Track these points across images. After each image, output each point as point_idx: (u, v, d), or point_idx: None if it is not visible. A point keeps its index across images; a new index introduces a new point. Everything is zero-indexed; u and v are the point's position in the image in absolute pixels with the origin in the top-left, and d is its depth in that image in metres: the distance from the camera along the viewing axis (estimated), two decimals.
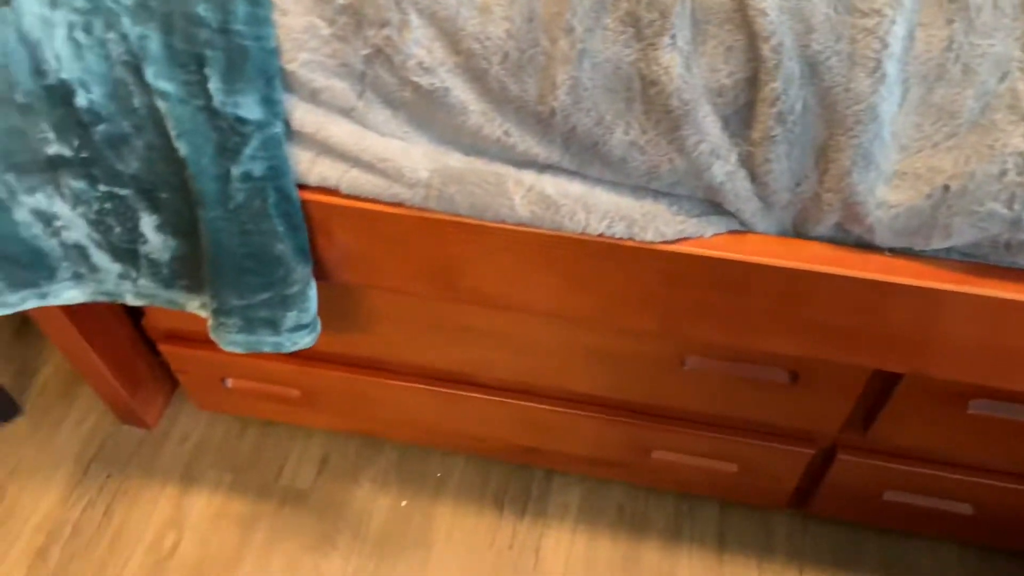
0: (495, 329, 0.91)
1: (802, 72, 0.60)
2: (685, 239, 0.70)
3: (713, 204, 0.69)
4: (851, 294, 0.69)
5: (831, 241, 0.70)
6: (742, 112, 0.63)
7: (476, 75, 0.65)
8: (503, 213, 0.71)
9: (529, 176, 0.70)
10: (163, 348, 1.11)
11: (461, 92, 0.66)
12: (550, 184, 0.69)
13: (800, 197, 0.67)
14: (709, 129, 0.64)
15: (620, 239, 0.69)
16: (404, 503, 1.17)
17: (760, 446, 0.98)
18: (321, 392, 1.10)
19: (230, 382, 1.13)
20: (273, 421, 1.25)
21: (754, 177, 0.66)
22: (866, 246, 0.69)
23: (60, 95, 0.70)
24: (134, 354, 1.19)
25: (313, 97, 0.70)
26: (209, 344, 1.07)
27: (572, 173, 0.70)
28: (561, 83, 0.63)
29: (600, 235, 0.69)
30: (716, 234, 0.70)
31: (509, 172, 0.70)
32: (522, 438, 1.09)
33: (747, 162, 0.66)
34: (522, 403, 1.02)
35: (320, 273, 0.83)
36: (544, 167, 0.70)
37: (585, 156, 0.67)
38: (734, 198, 0.67)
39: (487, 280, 0.78)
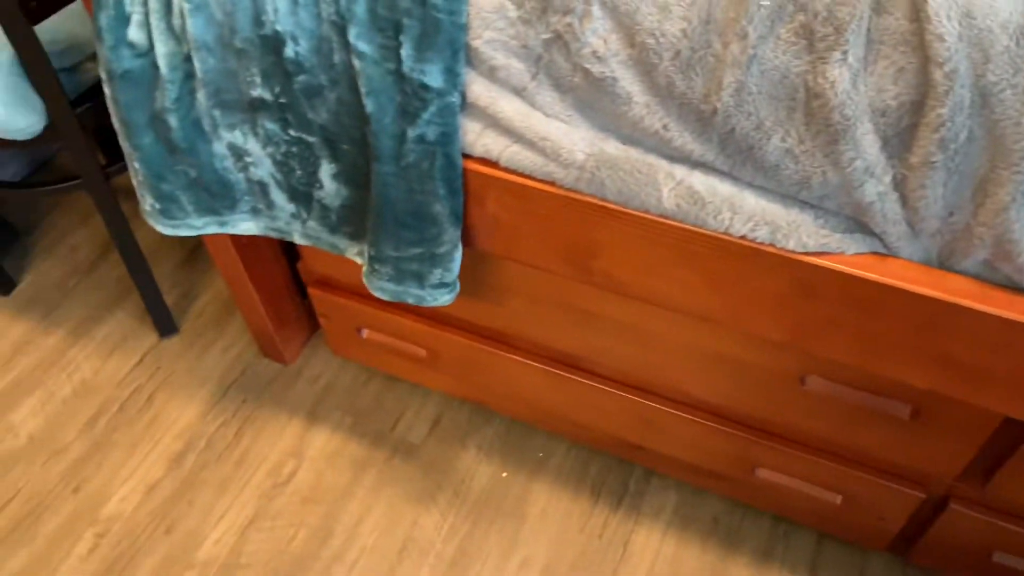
0: (621, 318, 0.94)
1: (972, 101, 0.60)
2: (826, 253, 0.71)
3: (859, 222, 0.70)
4: (992, 333, 0.68)
5: (976, 277, 0.69)
6: (903, 134, 0.64)
7: (646, 68, 0.69)
8: (649, 203, 0.74)
9: (680, 170, 0.73)
10: (312, 292, 1.21)
11: (628, 83, 0.70)
12: (700, 181, 0.72)
13: (951, 227, 0.67)
14: (867, 147, 0.65)
15: (761, 243, 0.71)
16: (505, 474, 1.22)
17: (869, 481, 0.97)
18: (445, 355, 1.17)
19: (365, 333, 1.21)
20: (396, 376, 1.33)
21: (906, 201, 0.67)
22: (1013, 286, 0.68)
23: (272, 45, 0.79)
24: (285, 294, 1.30)
25: (491, 73, 0.75)
26: (353, 294, 1.17)
27: (723, 173, 0.72)
28: (727, 85, 0.66)
29: (742, 237, 0.72)
30: (858, 253, 0.71)
31: (662, 164, 0.73)
32: (628, 433, 1.11)
33: (901, 185, 0.66)
34: (634, 398, 1.05)
35: (467, 239, 0.89)
36: (696, 163, 0.73)
37: (739, 158, 0.69)
38: (882, 219, 0.68)
39: (622, 267, 0.81)
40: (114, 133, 1.57)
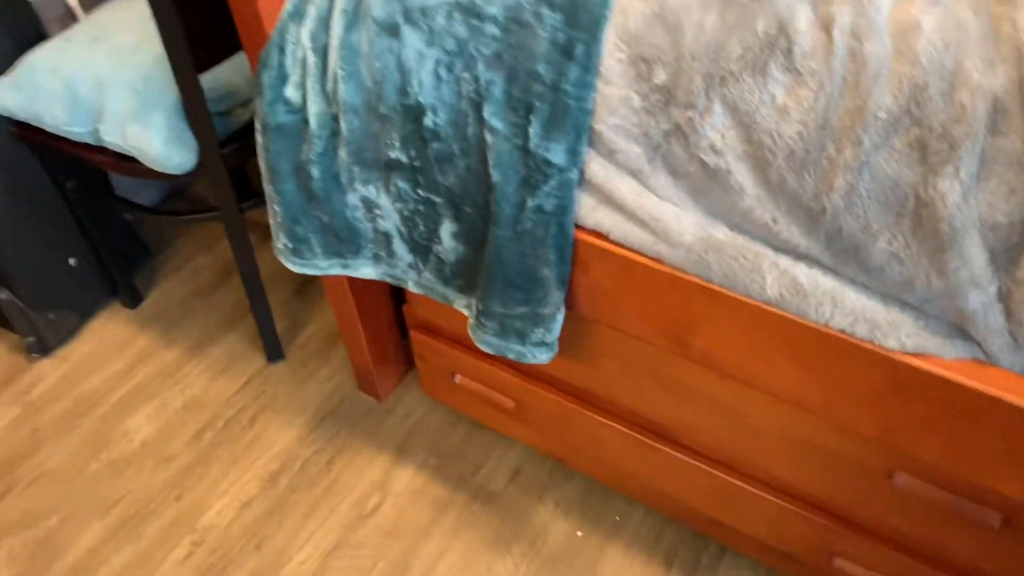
0: (713, 394, 0.97)
1: None
2: (924, 355, 0.72)
3: (960, 328, 0.71)
4: None
5: None
6: (1012, 250, 0.66)
7: (760, 164, 0.73)
8: (752, 289, 0.78)
9: (785, 261, 0.76)
10: (413, 334, 1.27)
11: (742, 176, 0.74)
12: (803, 273, 0.75)
13: None
14: (973, 258, 0.67)
15: (860, 339, 0.74)
16: (580, 533, 1.25)
17: None
18: (533, 409, 1.21)
19: (459, 378, 1.27)
20: (482, 423, 1.38)
21: (1010, 314, 0.68)
22: None
23: (414, 114, 0.87)
24: (388, 333, 1.37)
25: (610, 155, 0.81)
26: (452, 340, 1.23)
27: (827, 267, 0.75)
28: (838, 187, 0.69)
29: (841, 331, 0.74)
30: (957, 358, 0.72)
31: (767, 253, 0.77)
32: (707, 507, 1.13)
33: (1005, 297, 0.68)
34: (718, 473, 1.06)
35: (570, 302, 0.94)
36: (802, 256, 0.76)
37: (844, 256, 0.72)
38: (983, 328, 0.70)
39: (720, 346, 0.85)
40: (246, 173, 1.70)
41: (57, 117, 1.21)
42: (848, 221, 0.70)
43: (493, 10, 0.80)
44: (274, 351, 1.51)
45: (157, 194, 1.83)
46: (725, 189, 0.76)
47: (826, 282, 0.75)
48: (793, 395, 0.83)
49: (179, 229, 1.79)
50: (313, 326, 1.58)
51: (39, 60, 1.23)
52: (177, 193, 1.87)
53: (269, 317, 1.46)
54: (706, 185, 0.77)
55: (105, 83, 1.17)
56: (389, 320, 1.36)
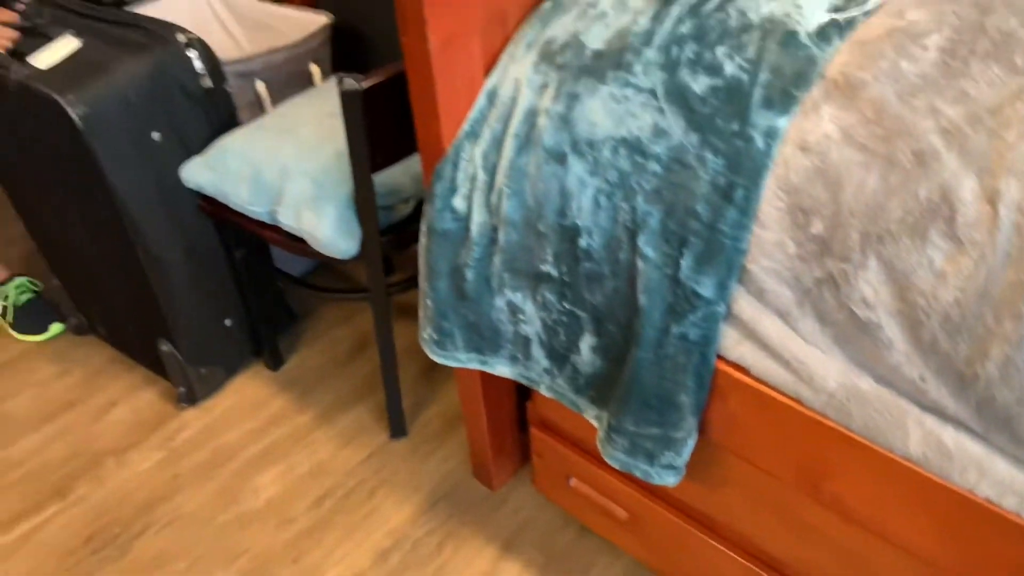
0: (839, 539, 0.95)
1: None
2: None
3: None
4: None
5: None
6: None
7: (912, 323, 0.74)
8: (894, 444, 0.77)
9: (931, 421, 0.76)
10: (534, 431, 1.31)
11: (892, 332, 0.75)
12: (950, 435, 0.75)
13: None
14: None
15: (1007, 511, 0.72)
16: None
17: None
18: (646, 523, 1.21)
19: (574, 481, 1.29)
20: (592, 529, 1.38)
21: None
22: None
23: (569, 234, 0.93)
24: (508, 425, 1.41)
25: (759, 294, 0.84)
26: (571, 442, 1.25)
27: (976, 433, 0.74)
28: (994, 356, 0.69)
29: (987, 499, 0.73)
30: None
31: (912, 410, 0.77)
32: None
33: None
34: None
35: (702, 428, 0.95)
36: (949, 418, 0.75)
37: (995, 424, 0.72)
38: None
39: (854, 494, 0.84)
40: (392, 259, 1.81)
41: (241, 196, 1.35)
42: (1002, 391, 0.70)
43: (657, 149, 0.86)
44: (398, 428, 1.58)
45: (307, 265, 1.97)
46: (874, 342, 0.77)
47: (974, 448, 0.74)
48: (925, 553, 0.81)
49: (323, 299, 1.91)
50: (436, 407, 1.64)
51: (232, 144, 1.38)
52: (324, 266, 2.01)
53: (398, 395, 1.53)
54: (854, 335, 0.78)
55: (288, 171, 1.30)
56: (511, 413, 1.41)
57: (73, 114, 1.24)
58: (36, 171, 1.47)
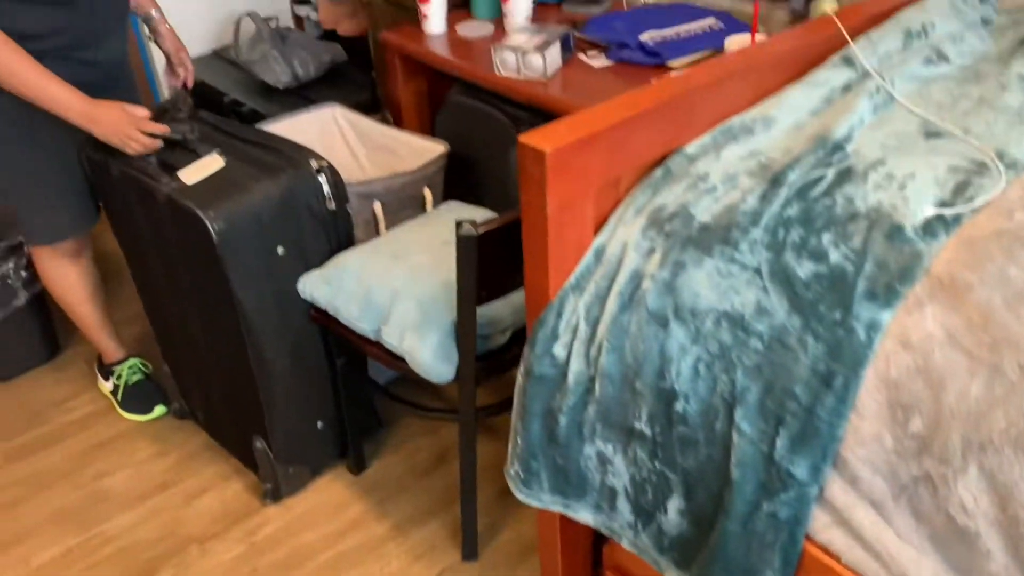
0: None
1: None
2: None
3: None
4: None
5: None
6: None
7: (1013, 537, 0.73)
8: None
9: None
10: (607, 573, 1.30)
11: (992, 542, 0.75)
12: None
13: None
14: None
15: None
16: None
17: None
18: None
19: None
20: None
21: None
22: None
23: (666, 397, 0.96)
24: (583, 563, 1.41)
25: (853, 482, 0.84)
26: None
27: None
28: None
29: None
30: None
31: None
32: None
33: None
34: None
35: None
36: None
37: None
38: None
39: None
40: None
41: (351, 313, 1.43)
42: None
43: (760, 327, 0.89)
44: (470, 549, 1.59)
45: (392, 373, 2.04)
46: (971, 549, 0.76)
47: None
48: None
49: (411, 412, 1.97)
50: (510, 532, 1.65)
51: (349, 263, 1.48)
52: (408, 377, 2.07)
53: (474, 518, 1.55)
54: (951, 540, 0.78)
55: (398, 294, 1.38)
56: (586, 551, 1.40)
57: (212, 229, 1.36)
58: (167, 266, 1.60)
